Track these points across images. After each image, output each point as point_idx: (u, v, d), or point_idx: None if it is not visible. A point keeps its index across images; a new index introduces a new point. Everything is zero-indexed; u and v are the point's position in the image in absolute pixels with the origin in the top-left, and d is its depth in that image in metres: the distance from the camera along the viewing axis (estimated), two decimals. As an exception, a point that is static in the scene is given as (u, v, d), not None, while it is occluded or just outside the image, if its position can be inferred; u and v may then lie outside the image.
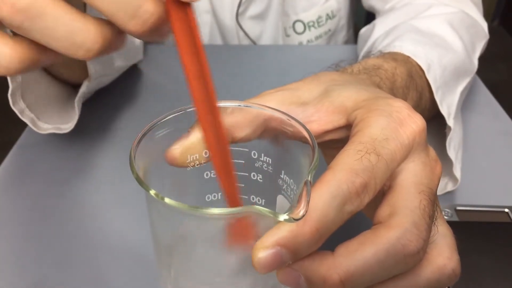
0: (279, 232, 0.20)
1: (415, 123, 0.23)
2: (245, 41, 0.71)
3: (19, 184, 0.42)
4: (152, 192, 0.21)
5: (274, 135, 0.26)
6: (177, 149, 0.24)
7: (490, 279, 0.33)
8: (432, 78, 0.38)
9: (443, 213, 0.37)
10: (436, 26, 0.45)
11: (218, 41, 0.73)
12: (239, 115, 0.25)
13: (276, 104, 0.26)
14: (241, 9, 0.68)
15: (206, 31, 0.71)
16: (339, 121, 0.26)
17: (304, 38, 0.72)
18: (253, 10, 0.69)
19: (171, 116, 0.25)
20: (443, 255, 0.22)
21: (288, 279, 0.21)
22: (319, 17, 0.70)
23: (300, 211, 0.19)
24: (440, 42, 0.43)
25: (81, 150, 0.46)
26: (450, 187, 0.40)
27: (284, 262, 0.20)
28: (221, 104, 0.25)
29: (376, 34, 0.47)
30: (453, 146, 0.39)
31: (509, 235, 0.36)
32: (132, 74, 0.58)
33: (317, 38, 0.72)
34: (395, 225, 0.21)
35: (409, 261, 0.20)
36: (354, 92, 0.26)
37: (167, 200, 0.20)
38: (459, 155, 0.40)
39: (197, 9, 0.70)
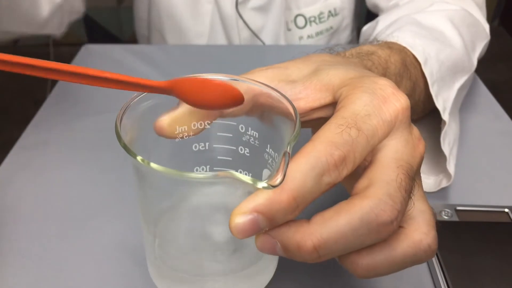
0: (256, 199, 0.20)
1: (399, 101, 0.24)
2: (245, 32, 0.71)
3: (19, 184, 0.42)
4: (139, 158, 0.21)
5: (261, 111, 0.26)
6: (166, 120, 0.25)
7: (490, 279, 0.33)
8: (429, 72, 0.38)
9: (443, 213, 0.37)
10: (437, 21, 0.45)
11: (219, 31, 0.73)
12: None
13: (266, 80, 0.26)
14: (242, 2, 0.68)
15: (207, 20, 0.71)
16: (326, 98, 0.26)
17: (304, 33, 0.72)
18: (256, 1, 0.69)
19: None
20: (420, 230, 0.23)
21: (265, 246, 0.22)
22: (321, 13, 0.71)
23: (278, 179, 0.19)
24: (439, 37, 0.43)
25: (81, 150, 0.46)
26: (444, 183, 0.40)
27: (260, 229, 0.20)
28: (212, 77, 0.25)
29: (379, 29, 0.48)
30: (448, 141, 0.39)
31: (509, 235, 0.36)
32: (130, 74, 0.58)
33: (318, 34, 0.72)
34: (370, 195, 0.21)
35: (382, 230, 0.21)
36: (342, 71, 0.26)
37: (152, 165, 0.21)
38: (454, 152, 0.40)
39: None
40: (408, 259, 0.22)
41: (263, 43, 0.72)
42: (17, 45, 2.11)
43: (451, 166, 0.39)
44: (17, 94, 1.72)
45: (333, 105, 0.26)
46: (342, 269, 0.34)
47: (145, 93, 0.25)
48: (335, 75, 0.26)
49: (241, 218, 0.20)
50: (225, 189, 0.24)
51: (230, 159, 0.28)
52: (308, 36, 0.72)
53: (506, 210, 0.38)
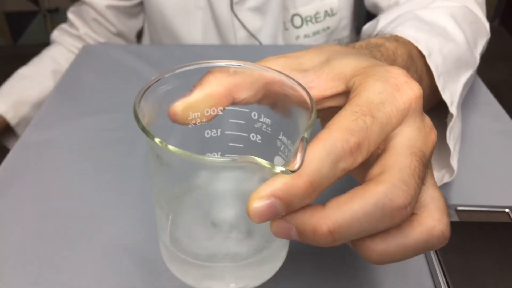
0: (274, 184, 0.20)
1: (412, 89, 0.24)
2: (241, 32, 0.71)
3: (19, 184, 0.42)
4: (157, 140, 0.22)
5: (274, 99, 0.26)
6: (179, 106, 0.25)
7: (490, 279, 0.33)
8: (434, 65, 0.39)
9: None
10: (439, 17, 0.45)
11: (213, 34, 0.73)
12: (240, 76, 0.26)
13: (277, 69, 0.27)
14: (238, 4, 0.68)
15: (199, 26, 0.72)
16: (338, 87, 0.26)
17: (301, 33, 0.72)
18: (252, 1, 0.69)
19: (173, 72, 0.26)
20: (433, 217, 0.23)
21: (280, 231, 0.22)
22: (317, 12, 0.71)
23: (296, 164, 0.20)
24: (442, 32, 0.43)
25: (81, 150, 0.46)
26: (446, 178, 0.40)
27: (277, 213, 0.21)
28: (224, 64, 0.26)
29: (380, 26, 0.48)
30: (453, 135, 0.39)
31: (509, 235, 0.36)
32: (130, 74, 0.58)
33: (314, 33, 0.72)
34: (384, 181, 0.21)
35: (396, 215, 0.21)
36: (354, 61, 0.27)
37: (170, 147, 0.21)
38: (457, 147, 0.40)
39: (189, 5, 0.70)
40: (421, 246, 0.23)
41: (260, 43, 0.73)
42: (16, 45, 2.12)
43: (454, 161, 0.39)
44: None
45: (345, 94, 0.26)
46: (343, 268, 0.34)
47: (163, 78, 0.26)
48: (348, 64, 0.26)
49: (259, 203, 0.20)
50: (241, 174, 0.24)
51: (242, 145, 0.28)
52: (305, 36, 0.72)
53: (507, 210, 0.38)
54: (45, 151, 0.45)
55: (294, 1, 0.70)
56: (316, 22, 0.72)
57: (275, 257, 0.28)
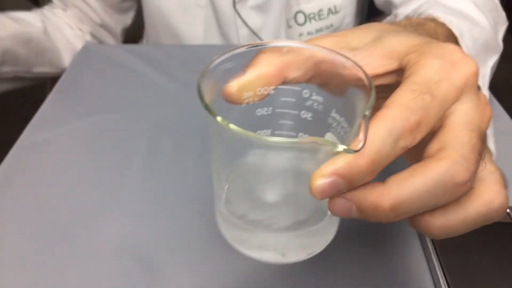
0: (337, 163, 0.21)
1: (468, 65, 0.24)
2: (243, 31, 0.71)
3: (19, 184, 0.42)
4: (219, 118, 0.22)
5: (325, 79, 0.27)
6: (233, 86, 0.25)
7: (490, 279, 0.33)
8: (465, 47, 0.39)
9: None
10: (462, 4, 0.46)
11: (215, 33, 0.73)
12: (291, 56, 0.26)
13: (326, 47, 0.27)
14: (241, 3, 0.68)
15: (201, 24, 0.72)
16: (391, 65, 0.26)
17: (304, 30, 0.72)
18: (255, 2, 0.69)
19: (232, 53, 0.27)
20: (492, 190, 0.23)
21: (340, 209, 0.22)
22: (320, 10, 0.71)
23: (359, 144, 0.20)
24: (467, 17, 0.44)
25: (81, 150, 0.46)
26: None
27: (339, 191, 0.21)
28: (275, 44, 0.26)
29: (405, 15, 0.48)
30: None
31: (509, 235, 0.36)
32: (130, 74, 0.58)
33: (317, 31, 0.73)
34: (445, 157, 0.22)
35: (457, 190, 0.21)
36: (405, 38, 0.26)
37: (232, 127, 0.22)
38: (491, 130, 0.40)
39: (189, 4, 0.70)
40: (481, 218, 0.23)
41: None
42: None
43: (491, 143, 0.39)
44: (17, 93, 1.72)
45: (396, 72, 0.26)
46: (343, 268, 0.34)
47: (224, 57, 0.26)
48: (399, 41, 0.26)
49: (321, 180, 0.21)
50: (300, 153, 0.25)
51: (291, 123, 0.29)
52: (308, 33, 0.72)
53: (507, 210, 0.38)
54: (45, 151, 0.45)
55: None
56: (320, 19, 0.72)
57: (327, 231, 0.29)
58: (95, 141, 0.47)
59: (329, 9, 0.72)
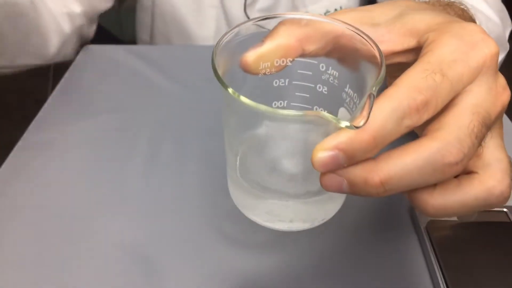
0: (339, 137, 0.21)
1: (488, 47, 0.23)
2: None
3: (20, 184, 0.42)
4: (230, 90, 0.23)
5: (343, 53, 0.27)
6: (251, 57, 0.26)
7: (488, 278, 0.33)
8: None
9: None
10: (475, 1, 0.45)
11: (224, 31, 0.73)
12: (311, 28, 0.26)
13: (349, 22, 0.27)
14: (249, 1, 0.68)
15: (212, 25, 0.71)
16: (410, 43, 0.26)
17: None
18: (263, 2, 0.69)
19: (249, 23, 0.27)
20: (495, 177, 0.23)
21: (331, 184, 0.23)
22: (327, 11, 0.71)
23: (361, 121, 0.20)
24: (481, 12, 0.43)
25: (83, 150, 0.46)
26: None
27: (340, 164, 0.22)
28: (295, 16, 0.26)
29: None
30: None
31: (508, 234, 0.36)
32: (131, 75, 0.58)
33: None
34: (438, 137, 0.22)
35: (446, 171, 0.22)
36: (428, 16, 0.26)
37: (242, 98, 0.22)
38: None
39: (203, 3, 0.70)
40: (479, 203, 0.23)
41: None
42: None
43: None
44: (18, 94, 1.72)
45: (415, 50, 0.26)
46: (341, 268, 0.35)
47: (236, 32, 0.27)
48: (421, 19, 0.26)
49: (323, 153, 0.21)
50: (308, 126, 0.26)
51: (308, 95, 0.29)
52: None
53: (505, 210, 0.38)
54: (46, 151, 0.46)
55: (304, 0, 0.70)
56: None
57: (334, 199, 0.30)
58: (97, 141, 0.47)
59: (336, 10, 0.72)
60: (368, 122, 0.21)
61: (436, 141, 0.22)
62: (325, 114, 0.21)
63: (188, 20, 0.72)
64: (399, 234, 0.37)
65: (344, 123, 0.21)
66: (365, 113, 0.21)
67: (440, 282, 0.33)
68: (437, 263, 0.34)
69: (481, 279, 0.33)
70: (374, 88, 0.22)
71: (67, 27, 0.59)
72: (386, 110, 0.21)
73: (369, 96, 0.21)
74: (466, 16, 0.36)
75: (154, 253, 0.36)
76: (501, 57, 0.44)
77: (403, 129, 0.22)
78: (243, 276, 0.34)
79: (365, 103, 0.21)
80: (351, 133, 0.21)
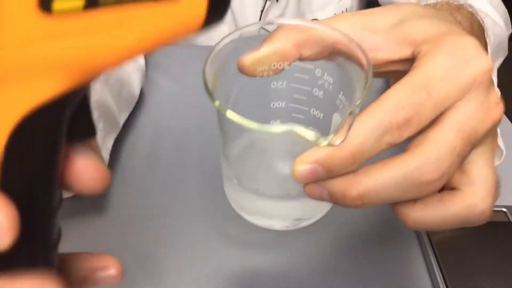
0: (318, 152, 0.22)
1: (480, 63, 0.23)
2: None
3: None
4: (217, 103, 0.24)
5: (340, 59, 0.27)
6: (248, 60, 0.26)
7: (488, 278, 0.33)
8: (489, 41, 0.38)
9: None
10: (482, 4, 0.44)
11: None
12: (309, 33, 0.26)
13: (349, 26, 0.26)
14: (263, 15, 0.68)
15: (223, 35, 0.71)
16: (405, 52, 0.26)
17: None
18: (273, 13, 0.69)
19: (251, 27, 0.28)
20: (477, 195, 0.23)
21: (314, 193, 0.23)
22: (335, 15, 0.70)
23: (338, 139, 0.21)
24: (489, 17, 0.43)
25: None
26: (497, 161, 0.38)
27: (319, 178, 0.22)
28: (293, 22, 0.27)
29: None
30: None
31: (507, 234, 0.37)
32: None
33: None
34: (418, 154, 0.22)
35: (423, 188, 0.22)
36: (428, 25, 0.26)
37: (228, 113, 0.23)
38: (498, 129, 0.40)
39: None
40: (460, 220, 0.23)
41: None
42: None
43: (500, 142, 0.38)
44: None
45: (411, 60, 0.25)
46: (340, 268, 0.35)
47: (229, 40, 0.27)
48: (420, 28, 0.25)
49: (302, 166, 0.22)
50: (293, 137, 0.26)
51: (305, 98, 0.30)
52: None
53: (504, 209, 0.38)
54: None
55: (311, 6, 0.69)
56: None
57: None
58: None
59: (342, 13, 0.71)
60: (348, 138, 0.21)
61: (415, 157, 0.21)
62: (304, 132, 0.22)
63: (199, 37, 0.71)
64: (399, 234, 0.37)
65: (321, 142, 0.21)
66: (343, 131, 0.21)
67: (440, 282, 0.33)
68: (436, 263, 0.34)
69: (481, 278, 0.33)
70: (356, 108, 0.22)
71: (142, 60, 0.53)
72: (367, 127, 0.21)
73: (350, 114, 0.21)
74: (475, 20, 0.35)
75: (154, 253, 0.36)
76: (500, 61, 0.43)
77: (383, 145, 0.22)
78: (243, 275, 0.34)
79: (345, 122, 0.21)
80: (330, 149, 0.22)
